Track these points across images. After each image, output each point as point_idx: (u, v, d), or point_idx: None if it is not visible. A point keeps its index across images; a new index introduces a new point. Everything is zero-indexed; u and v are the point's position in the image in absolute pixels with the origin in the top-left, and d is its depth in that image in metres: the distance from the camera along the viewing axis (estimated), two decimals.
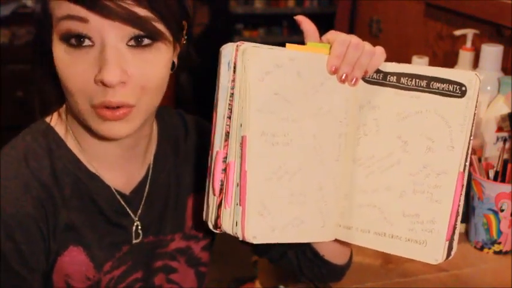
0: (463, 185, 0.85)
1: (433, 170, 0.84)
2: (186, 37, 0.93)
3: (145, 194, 0.98)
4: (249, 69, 0.81)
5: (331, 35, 0.87)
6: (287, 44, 0.85)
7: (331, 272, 1.06)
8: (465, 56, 1.67)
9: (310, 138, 0.87)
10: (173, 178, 1.02)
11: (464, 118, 0.83)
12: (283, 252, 1.07)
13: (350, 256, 1.06)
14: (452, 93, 0.83)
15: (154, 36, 0.83)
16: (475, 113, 0.84)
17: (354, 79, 0.87)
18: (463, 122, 0.83)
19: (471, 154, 0.86)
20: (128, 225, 0.97)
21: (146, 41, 0.83)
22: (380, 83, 0.88)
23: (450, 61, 1.85)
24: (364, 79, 0.89)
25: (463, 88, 0.82)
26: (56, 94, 0.91)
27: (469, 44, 1.67)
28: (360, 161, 0.90)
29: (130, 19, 0.80)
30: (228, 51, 0.83)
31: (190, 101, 3.83)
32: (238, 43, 0.82)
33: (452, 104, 0.83)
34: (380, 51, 0.87)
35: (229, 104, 0.83)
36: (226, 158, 0.84)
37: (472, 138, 0.84)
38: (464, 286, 1.21)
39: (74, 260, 0.91)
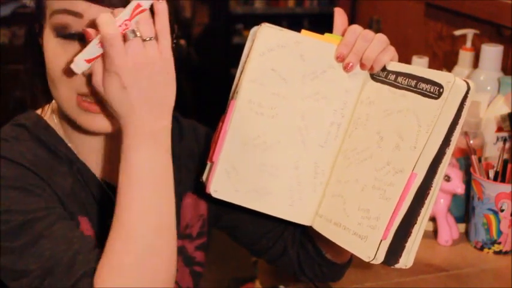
0: (412, 186, 0.81)
1: (393, 167, 0.84)
2: (175, 41, 0.93)
3: None
4: (255, 44, 0.89)
5: (349, 27, 0.89)
6: (302, 30, 0.91)
7: (331, 270, 1.06)
8: (465, 56, 1.67)
9: (297, 117, 0.91)
10: None
11: (433, 119, 0.81)
12: (284, 250, 1.07)
13: (351, 255, 1.06)
14: (431, 94, 0.82)
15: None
16: (456, 120, 0.81)
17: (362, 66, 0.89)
18: (431, 123, 0.81)
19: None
20: None
21: None
22: (382, 81, 0.89)
23: (450, 61, 1.85)
24: (371, 76, 0.90)
25: (441, 90, 0.81)
26: (43, 90, 0.92)
27: (469, 44, 1.67)
28: (345, 152, 0.91)
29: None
30: (254, 29, 0.91)
31: (190, 101, 3.83)
32: (262, 23, 0.90)
33: (428, 104, 0.82)
34: (390, 49, 0.89)
35: (240, 75, 0.91)
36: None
37: (450, 146, 0.82)
38: (464, 286, 1.21)
39: (83, 229, 0.90)
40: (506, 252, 1.33)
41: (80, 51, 0.80)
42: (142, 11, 0.77)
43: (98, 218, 0.94)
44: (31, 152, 0.88)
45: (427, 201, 0.83)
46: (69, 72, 0.82)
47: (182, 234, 1.04)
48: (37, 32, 0.89)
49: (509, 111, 1.45)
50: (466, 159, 1.38)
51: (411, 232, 0.83)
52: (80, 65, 0.78)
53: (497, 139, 1.46)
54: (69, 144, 0.93)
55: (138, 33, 0.76)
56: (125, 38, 0.76)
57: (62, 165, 0.91)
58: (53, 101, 0.96)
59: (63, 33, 0.83)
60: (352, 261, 1.07)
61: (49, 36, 0.85)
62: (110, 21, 0.75)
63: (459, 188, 1.30)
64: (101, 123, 0.86)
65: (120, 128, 0.92)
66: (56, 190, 0.87)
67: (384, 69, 0.89)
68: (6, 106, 0.99)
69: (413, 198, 0.82)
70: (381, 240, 0.82)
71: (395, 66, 0.88)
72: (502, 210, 1.30)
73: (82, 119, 0.86)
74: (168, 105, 0.79)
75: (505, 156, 1.32)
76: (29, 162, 0.86)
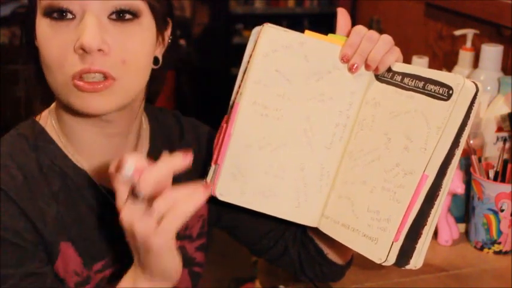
0: (423, 188, 0.82)
1: (403, 169, 0.84)
2: (171, 37, 0.93)
3: None
4: (259, 45, 0.89)
5: (353, 28, 0.89)
6: (306, 31, 0.90)
7: (332, 271, 1.06)
8: (465, 56, 1.67)
9: (303, 119, 0.91)
10: None
11: (443, 121, 0.81)
12: (285, 250, 1.07)
13: (351, 256, 1.06)
14: (440, 96, 0.82)
15: (136, 12, 0.85)
16: (465, 122, 0.81)
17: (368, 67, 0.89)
18: (441, 125, 0.81)
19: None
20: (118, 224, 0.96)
21: (128, 16, 0.84)
22: (387, 82, 0.89)
23: (450, 61, 1.85)
24: (376, 77, 0.90)
25: (450, 91, 0.81)
26: (42, 92, 0.91)
27: (469, 44, 1.67)
28: (351, 154, 0.91)
29: None
30: (256, 30, 0.90)
31: (190, 101, 3.83)
32: (265, 24, 0.89)
33: (438, 106, 0.82)
34: (395, 50, 0.89)
35: (242, 77, 0.91)
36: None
37: (459, 148, 0.82)
38: (464, 286, 1.22)
39: (65, 255, 0.90)
40: (506, 252, 1.33)
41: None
42: None
43: (97, 226, 0.93)
44: (23, 170, 0.88)
45: (436, 203, 0.83)
46: (61, 53, 0.83)
47: (182, 235, 1.03)
48: (32, 24, 0.88)
49: (509, 111, 1.45)
50: (466, 159, 1.38)
51: (421, 233, 0.83)
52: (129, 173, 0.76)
53: (497, 139, 1.46)
54: (69, 149, 0.93)
55: None
56: None
57: (54, 182, 0.90)
58: (51, 105, 0.96)
59: (51, 12, 0.83)
60: (353, 261, 1.08)
61: (40, 21, 0.85)
62: None
63: (459, 188, 1.30)
64: (99, 103, 0.85)
65: (124, 127, 0.92)
66: (37, 221, 0.87)
67: (389, 70, 0.89)
68: (6, 106, 0.99)
69: (424, 199, 0.82)
70: (393, 242, 0.83)
71: (401, 67, 0.88)
72: (502, 210, 1.30)
73: (77, 100, 0.85)
74: (173, 280, 0.81)
75: (505, 156, 1.32)
76: (15, 189, 0.86)
